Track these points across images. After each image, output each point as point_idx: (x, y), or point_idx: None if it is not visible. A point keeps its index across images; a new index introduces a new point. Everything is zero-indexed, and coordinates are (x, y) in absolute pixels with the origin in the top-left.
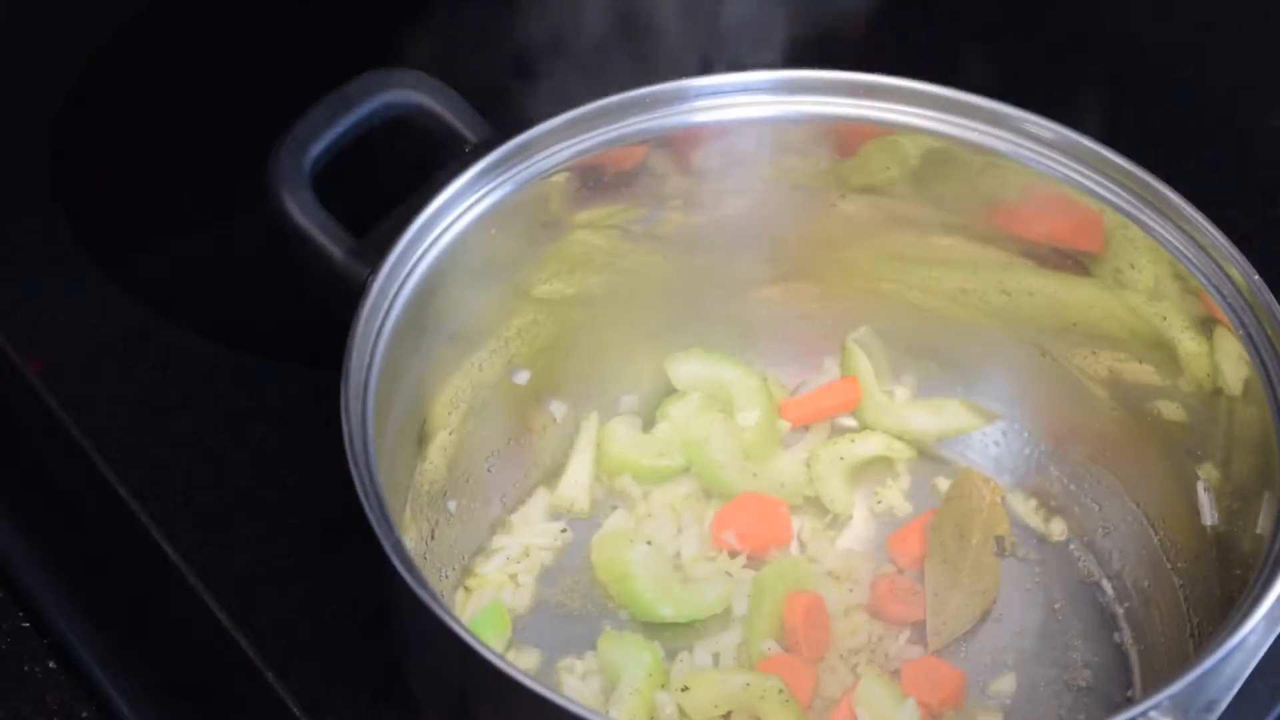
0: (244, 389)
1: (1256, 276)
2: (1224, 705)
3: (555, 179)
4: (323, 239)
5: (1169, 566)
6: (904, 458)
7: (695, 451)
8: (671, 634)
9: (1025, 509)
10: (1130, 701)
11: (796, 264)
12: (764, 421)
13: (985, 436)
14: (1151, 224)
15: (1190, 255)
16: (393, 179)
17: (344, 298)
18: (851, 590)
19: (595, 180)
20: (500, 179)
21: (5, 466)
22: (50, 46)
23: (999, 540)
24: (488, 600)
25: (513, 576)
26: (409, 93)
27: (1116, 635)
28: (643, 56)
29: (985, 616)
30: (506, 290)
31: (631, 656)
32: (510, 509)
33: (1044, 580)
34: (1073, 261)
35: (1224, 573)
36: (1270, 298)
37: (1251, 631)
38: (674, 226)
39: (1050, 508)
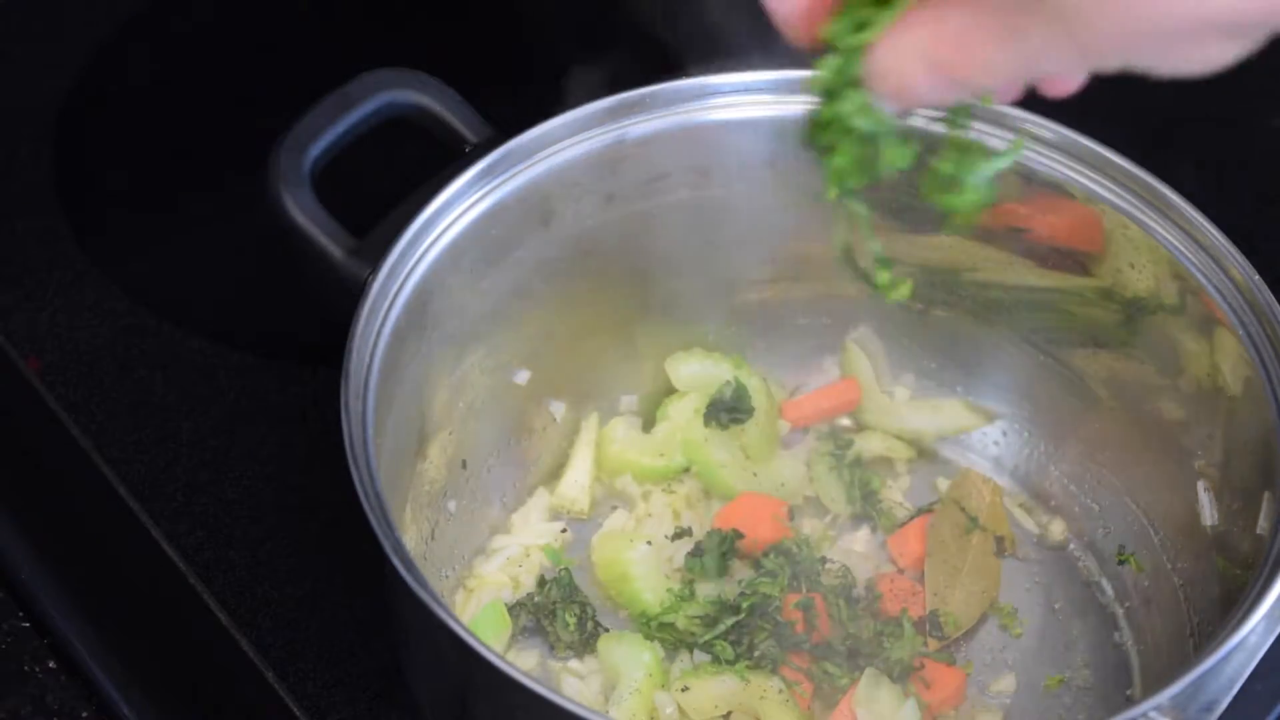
0: (244, 389)
1: (1256, 276)
2: (1224, 705)
3: (555, 179)
4: (323, 239)
5: (1169, 566)
6: (904, 458)
7: (695, 451)
8: (672, 634)
9: (1025, 509)
10: (1130, 701)
11: (796, 264)
12: (764, 421)
13: (985, 436)
14: (1151, 224)
15: (1190, 255)
16: (393, 179)
17: (344, 298)
18: (852, 590)
19: (595, 180)
20: (500, 179)
21: (5, 466)
22: (50, 46)
23: (999, 540)
24: (488, 600)
25: (513, 577)
26: (409, 93)
27: (1116, 635)
28: None
29: (985, 616)
30: (506, 290)
31: (631, 656)
32: (510, 509)
33: (1044, 580)
34: (1073, 261)
35: (1224, 573)
36: (1270, 298)
37: (1251, 631)
38: (674, 226)
39: (1050, 508)
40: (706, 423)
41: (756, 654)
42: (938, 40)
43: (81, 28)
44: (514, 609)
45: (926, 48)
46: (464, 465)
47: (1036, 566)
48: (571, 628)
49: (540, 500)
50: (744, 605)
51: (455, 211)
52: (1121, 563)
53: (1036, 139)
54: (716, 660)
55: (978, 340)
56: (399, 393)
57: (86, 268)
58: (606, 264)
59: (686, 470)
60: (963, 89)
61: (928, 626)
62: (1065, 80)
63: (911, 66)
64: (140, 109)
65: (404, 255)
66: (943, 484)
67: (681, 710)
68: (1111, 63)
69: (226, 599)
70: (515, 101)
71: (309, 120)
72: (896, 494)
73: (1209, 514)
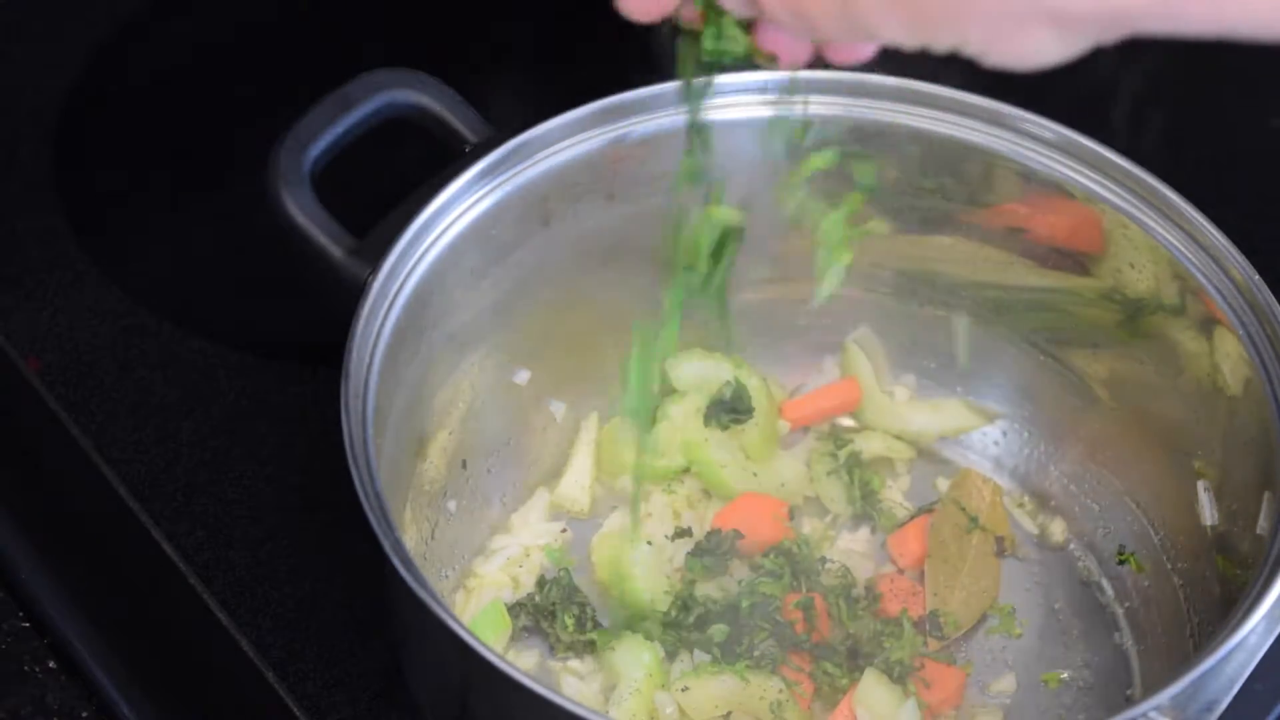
0: (244, 389)
1: (1256, 276)
2: (1224, 705)
3: (555, 179)
4: (323, 239)
5: (1169, 566)
6: (904, 458)
7: (695, 451)
8: (672, 634)
9: (1025, 509)
10: (1130, 701)
11: (796, 264)
12: (764, 421)
13: (985, 436)
14: (1151, 224)
15: (1190, 255)
16: (393, 179)
17: (344, 298)
18: (852, 590)
19: (595, 180)
20: (500, 179)
21: (5, 466)
22: (50, 46)
23: (999, 540)
24: (488, 600)
25: (513, 577)
26: (409, 93)
27: (1116, 635)
28: None
29: (985, 616)
30: (506, 290)
31: (631, 656)
32: (510, 509)
33: (1044, 580)
34: (1073, 261)
35: (1224, 573)
36: (1270, 298)
37: (1251, 631)
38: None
39: (1050, 508)
40: (706, 423)
41: (756, 654)
42: None
43: (81, 28)
44: (514, 609)
45: None
46: (464, 465)
47: (1036, 566)
48: (571, 628)
49: (540, 500)
50: (744, 605)
51: (455, 211)
52: (1121, 563)
53: (1036, 139)
54: (716, 660)
55: (978, 340)
56: (399, 393)
57: (86, 268)
58: (606, 264)
59: (686, 470)
60: (802, 26)
61: (928, 626)
62: (855, 47)
63: None
64: (140, 109)
65: (404, 255)
66: (943, 484)
67: (681, 710)
68: (941, 40)
69: (226, 599)
70: (515, 101)
71: (309, 120)
72: (896, 494)
73: (1209, 514)
